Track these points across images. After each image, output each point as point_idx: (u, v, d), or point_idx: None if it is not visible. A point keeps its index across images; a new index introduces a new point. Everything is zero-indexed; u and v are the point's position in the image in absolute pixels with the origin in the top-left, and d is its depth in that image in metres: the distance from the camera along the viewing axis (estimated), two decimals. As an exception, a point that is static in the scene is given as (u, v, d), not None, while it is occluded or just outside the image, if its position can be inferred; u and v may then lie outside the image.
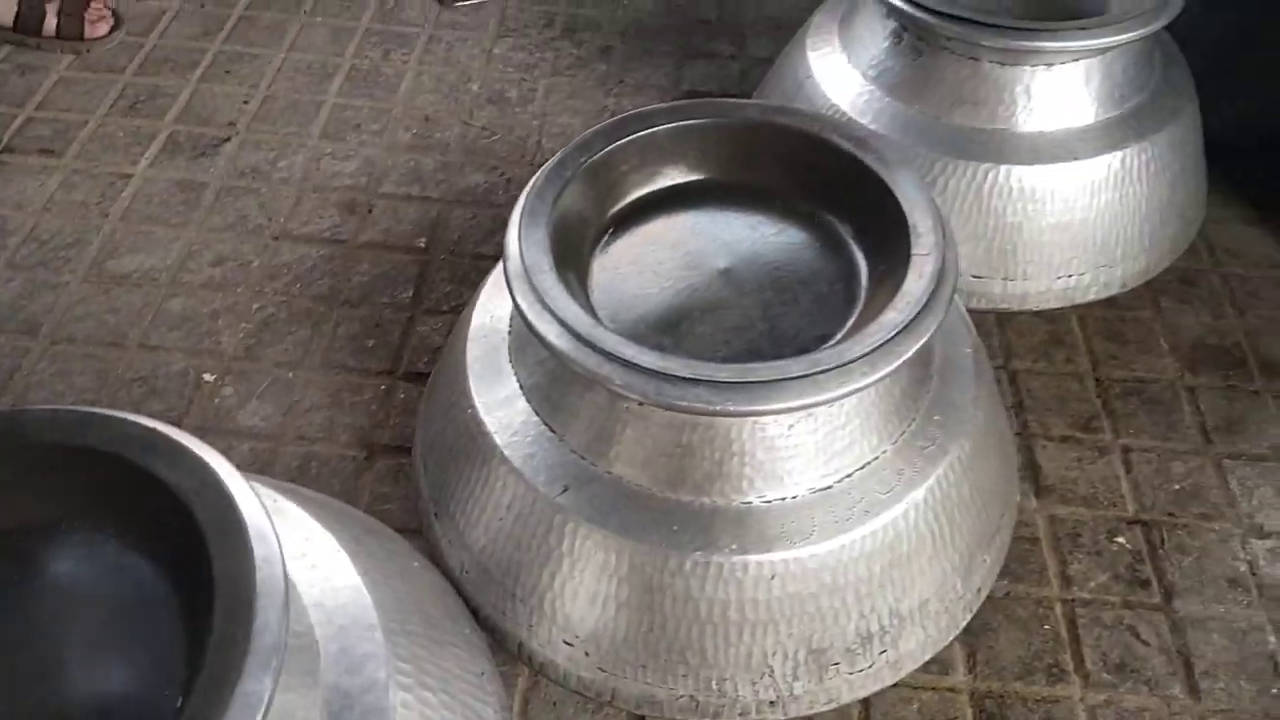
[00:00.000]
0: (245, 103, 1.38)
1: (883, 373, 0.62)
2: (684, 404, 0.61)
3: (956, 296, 0.81)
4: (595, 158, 0.76)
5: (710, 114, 0.79)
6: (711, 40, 1.51)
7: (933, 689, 0.83)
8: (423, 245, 1.20)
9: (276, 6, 1.53)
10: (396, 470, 0.98)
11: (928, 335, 0.64)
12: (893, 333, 0.64)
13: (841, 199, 0.77)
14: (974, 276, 0.99)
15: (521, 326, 0.70)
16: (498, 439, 0.72)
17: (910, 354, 0.63)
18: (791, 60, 1.10)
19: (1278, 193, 1.24)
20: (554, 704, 0.82)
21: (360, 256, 1.19)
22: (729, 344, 0.71)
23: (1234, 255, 1.20)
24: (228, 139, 1.32)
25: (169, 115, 1.35)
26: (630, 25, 1.53)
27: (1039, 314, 1.12)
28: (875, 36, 1.01)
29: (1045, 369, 1.08)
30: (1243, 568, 0.92)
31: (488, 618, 0.75)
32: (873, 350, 0.63)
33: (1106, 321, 1.12)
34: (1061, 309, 1.11)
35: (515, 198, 1.26)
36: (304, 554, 0.63)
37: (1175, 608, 0.89)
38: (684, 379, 0.62)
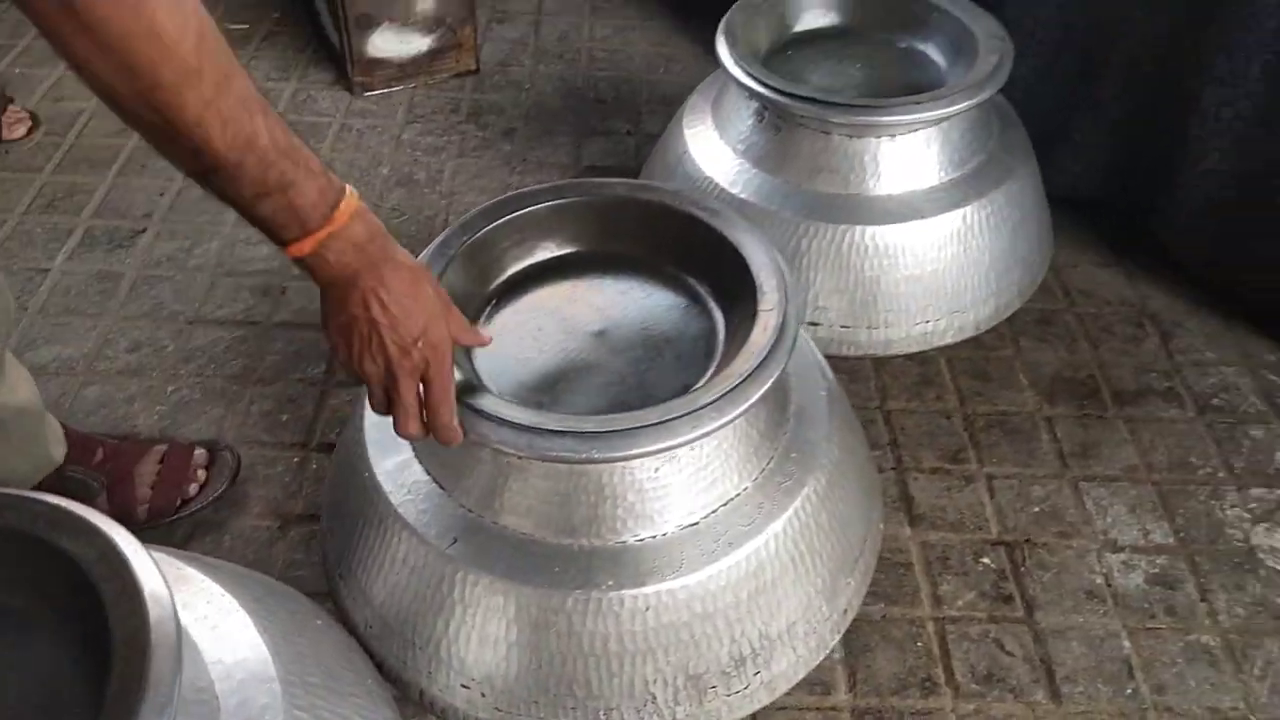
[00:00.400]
0: (160, 195, 1.43)
1: (729, 417, 0.70)
2: (554, 454, 0.68)
3: (811, 345, 0.90)
4: (476, 237, 0.83)
5: (581, 193, 0.87)
6: (608, 119, 1.61)
7: (817, 709, 0.90)
8: (335, 323, 1.26)
9: (191, 102, 1.60)
10: (309, 537, 1.03)
11: (770, 381, 0.72)
12: (739, 381, 0.71)
13: (701, 263, 0.85)
14: (842, 327, 1.08)
15: (410, 393, 0.76)
16: (392, 499, 0.78)
17: (755, 399, 0.71)
18: (671, 138, 1.20)
19: (1123, 239, 1.36)
20: (462, 749, 0.87)
21: (274, 336, 1.24)
22: (601, 399, 0.78)
23: (1087, 295, 1.31)
24: (143, 230, 1.38)
25: (86, 211, 1.40)
26: (532, 108, 1.63)
27: (911, 357, 1.21)
28: (741, 115, 1.11)
29: (917, 408, 1.17)
30: (1099, 580, 1.00)
31: (391, 669, 0.80)
32: (720, 397, 0.70)
33: (972, 361, 1.22)
34: (931, 353, 1.21)
35: (424, 273, 1.33)
36: (204, 615, 0.68)
37: (1037, 620, 0.97)
38: (554, 432, 0.69)
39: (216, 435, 1.12)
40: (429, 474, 0.79)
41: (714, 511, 0.76)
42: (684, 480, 0.74)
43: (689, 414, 0.70)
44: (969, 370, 1.21)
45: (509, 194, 0.88)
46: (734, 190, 1.09)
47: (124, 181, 1.45)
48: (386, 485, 0.79)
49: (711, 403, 0.70)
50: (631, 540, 0.74)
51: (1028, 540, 1.03)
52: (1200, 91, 1.14)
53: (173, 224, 1.39)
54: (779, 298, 0.77)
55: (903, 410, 1.16)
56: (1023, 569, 1.01)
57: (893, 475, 1.09)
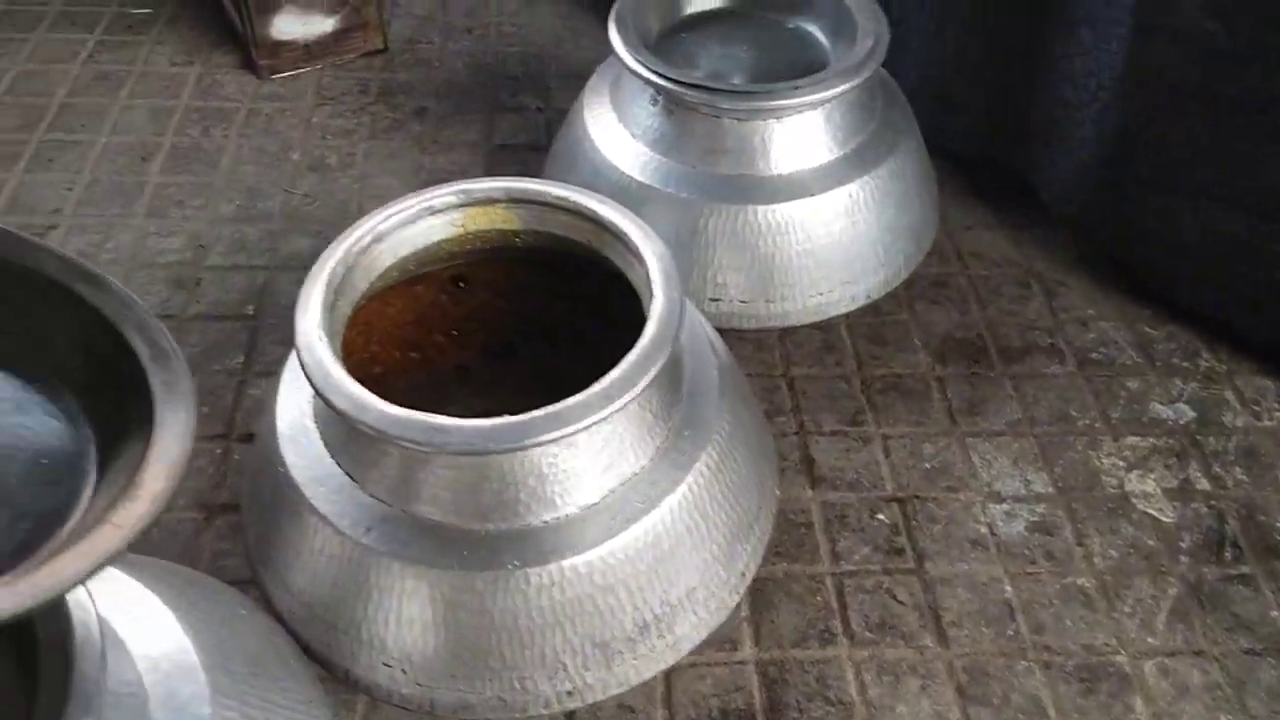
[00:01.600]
0: (69, 189, 1.43)
1: (616, 405, 0.75)
2: (454, 448, 0.73)
3: (704, 323, 0.95)
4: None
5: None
6: (518, 94, 1.63)
7: (724, 664, 0.96)
8: (251, 312, 1.28)
9: (95, 91, 1.58)
10: (234, 527, 1.06)
11: (655, 370, 0.77)
12: (627, 369, 0.76)
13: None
14: (742, 302, 1.13)
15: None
16: (306, 492, 0.82)
17: (639, 390, 0.76)
18: (574, 123, 1.23)
19: (1010, 199, 1.43)
20: (389, 722, 0.92)
21: (190, 329, 1.26)
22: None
23: (978, 258, 1.38)
24: (54, 226, 1.37)
25: (-8, 208, 1.39)
26: (442, 85, 1.64)
27: (814, 326, 1.27)
28: (637, 100, 1.15)
29: (819, 374, 1.23)
30: (983, 529, 1.08)
31: (317, 652, 0.85)
32: (609, 386, 0.75)
33: (870, 326, 1.28)
34: (833, 320, 1.27)
35: (339, 260, 1.35)
36: (128, 611, 0.72)
37: (926, 570, 1.04)
38: (452, 428, 0.73)
39: (137, 431, 1.14)
40: (341, 467, 0.82)
41: (612, 491, 0.81)
42: (582, 464, 0.79)
43: (581, 403, 0.74)
44: (867, 335, 1.27)
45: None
46: (634, 174, 1.13)
47: (31, 177, 1.44)
48: (300, 479, 0.83)
49: (601, 391, 0.75)
50: (535, 522, 0.79)
51: (918, 496, 1.11)
52: (1071, 60, 1.21)
53: (83, 218, 1.39)
54: (666, 297, 0.81)
55: (805, 376, 1.23)
56: (914, 523, 1.08)
57: (795, 440, 1.16)
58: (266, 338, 1.25)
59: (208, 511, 1.07)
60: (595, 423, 0.74)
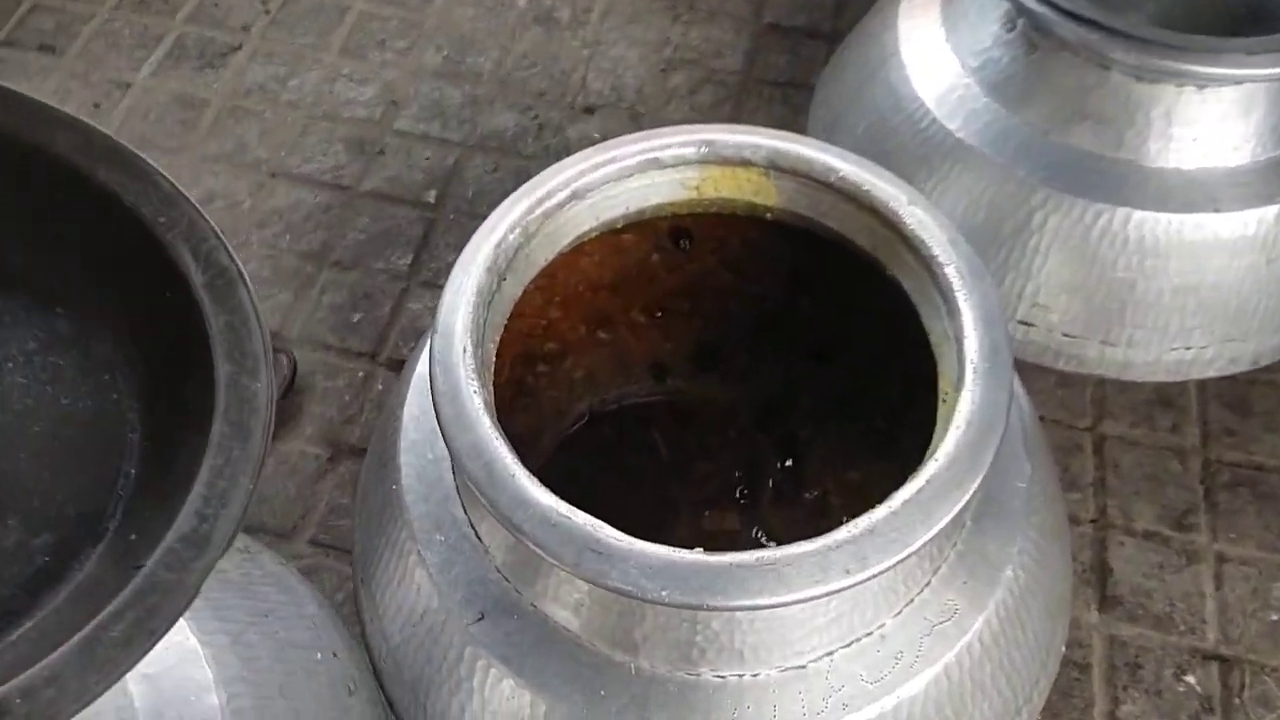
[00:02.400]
0: (264, 4, 1.22)
1: (875, 570, 0.47)
2: (609, 583, 0.48)
3: (1023, 406, 0.64)
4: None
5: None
6: (809, -43, 1.27)
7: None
8: (431, 200, 1.06)
9: (316, -120, 1.35)
10: (359, 477, 0.88)
11: (947, 518, 0.48)
12: (898, 511, 0.48)
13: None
14: (1066, 335, 0.80)
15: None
16: (417, 532, 0.60)
17: (917, 547, 0.48)
18: (879, 25, 0.89)
19: None
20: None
21: (361, 208, 1.05)
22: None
23: None
24: (239, 47, 1.18)
25: (180, 13, 1.21)
26: (716, -72, 1.30)
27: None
28: (983, 15, 0.79)
29: (1143, 438, 0.89)
30: (1341, 738, 0.75)
31: (402, 712, 0.66)
32: (863, 534, 0.48)
33: (1231, 382, 0.91)
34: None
35: (546, 146, 1.11)
36: (155, 666, 0.54)
37: (1244, 783, 0.74)
38: (629, 555, 0.48)
39: (279, 327, 0.97)
40: (465, 513, 0.60)
41: (829, 654, 0.54)
42: (794, 611, 0.52)
43: (817, 555, 0.47)
44: (1224, 394, 0.91)
45: None
46: (951, 124, 0.80)
47: (227, -20, 1.25)
48: (414, 514, 0.61)
49: (852, 545, 0.48)
50: (709, 675, 0.54)
51: (1253, 660, 0.78)
52: None
53: (271, 42, 1.19)
54: (985, 381, 0.51)
55: (1122, 439, 0.89)
56: (1236, 700, 0.76)
57: (1089, 531, 0.84)
58: (443, 237, 1.03)
59: (334, 450, 0.90)
60: (840, 590, 0.48)
